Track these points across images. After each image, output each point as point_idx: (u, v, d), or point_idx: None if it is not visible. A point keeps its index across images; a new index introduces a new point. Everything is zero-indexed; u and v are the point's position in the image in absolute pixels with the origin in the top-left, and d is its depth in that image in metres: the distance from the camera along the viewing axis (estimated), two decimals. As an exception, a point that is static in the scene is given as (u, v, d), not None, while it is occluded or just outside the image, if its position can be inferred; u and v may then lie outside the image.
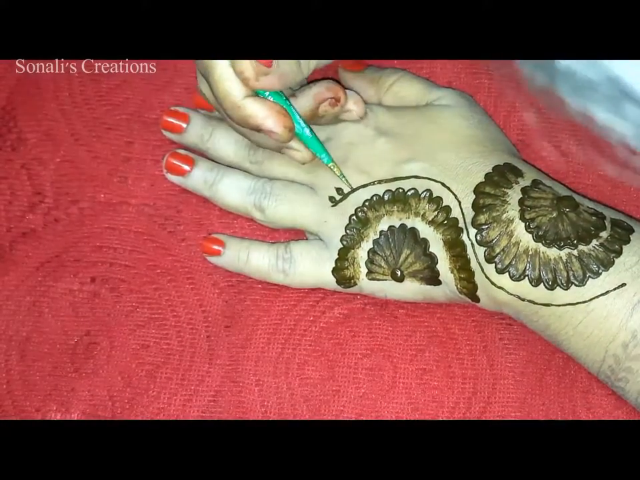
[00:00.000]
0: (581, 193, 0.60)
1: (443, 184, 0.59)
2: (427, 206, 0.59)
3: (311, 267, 0.61)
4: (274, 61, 0.55)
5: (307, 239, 0.63)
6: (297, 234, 0.63)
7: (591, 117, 0.52)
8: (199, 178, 0.64)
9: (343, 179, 0.60)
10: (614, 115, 0.51)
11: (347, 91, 0.61)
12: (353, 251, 0.60)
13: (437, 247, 0.58)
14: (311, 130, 0.60)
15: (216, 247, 0.63)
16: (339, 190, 0.61)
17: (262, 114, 0.57)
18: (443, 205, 0.58)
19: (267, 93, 0.58)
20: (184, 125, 0.65)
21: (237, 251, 0.63)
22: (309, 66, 0.58)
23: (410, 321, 0.61)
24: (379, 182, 0.60)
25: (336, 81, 0.62)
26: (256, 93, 0.58)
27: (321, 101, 0.60)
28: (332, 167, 0.60)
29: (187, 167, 0.64)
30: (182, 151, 0.64)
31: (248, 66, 0.56)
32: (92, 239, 0.65)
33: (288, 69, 0.57)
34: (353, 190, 0.60)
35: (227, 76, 0.56)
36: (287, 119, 0.57)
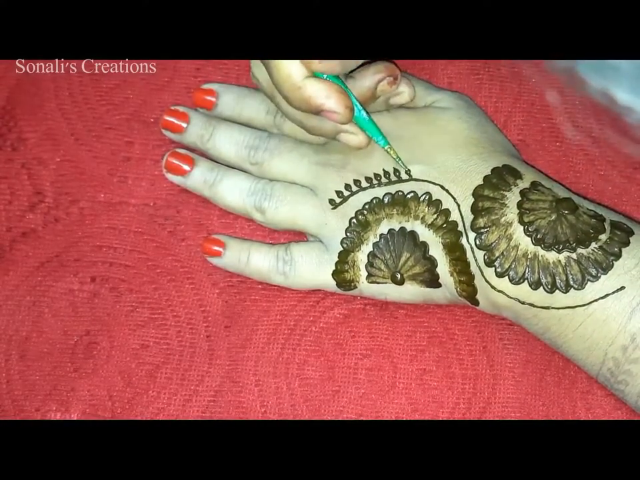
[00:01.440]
0: (581, 194, 0.60)
1: (441, 187, 0.58)
2: (427, 209, 0.58)
3: (311, 269, 0.61)
4: None
5: (307, 240, 0.63)
6: (297, 235, 0.63)
7: (611, 97, 0.52)
8: (198, 178, 0.64)
9: (400, 162, 0.59)
10: (635, 96, 0.51)
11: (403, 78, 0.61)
12: (353, 254, 0.60)
13: (437, 250, 0.58)
14: (367, 112, 0.60)
15: (216, 248, 0.63)
16: (339, 193, 0.60)
17: (323, 94, 0.56)
18: (442, 208, 0.58)
19: (325, 76, 0.58)
20: (184, 125, 0.65)
21: (237, 252, 0.62)
22: None
23: (410, 322, 0.61)
24: (379, 185, 0.60)
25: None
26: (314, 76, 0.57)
27: (380, 79, 0.60)
28: (388, 150, 0.59)
29: (186, 167, 0.64)
30: (182, 151, 0.64)
31: None
32: (92, 239, 0.64)
33: None
34: (353, 193, 0.60)
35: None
36: (347, 99, 0.57)
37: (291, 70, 0.56)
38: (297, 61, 0.56)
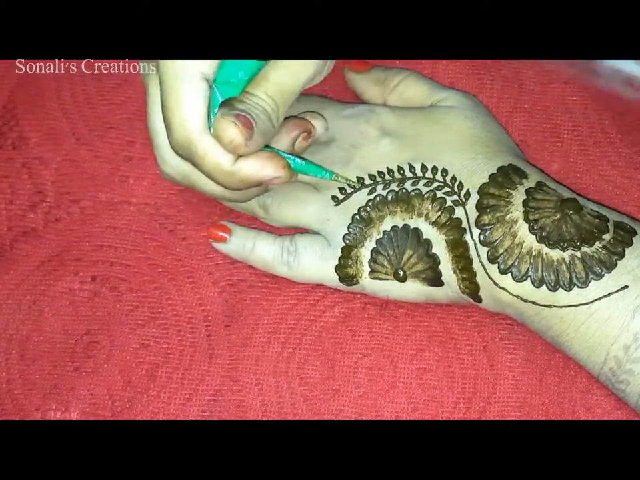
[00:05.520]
0: (582, 194, 0.59)
1: (446, 184, 0.58)
2: (430, 206, 0.58)
3: (314, 261, 0.60)
4: (251, 120, 0.54)
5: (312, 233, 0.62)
6: (300, 232, 0.63)
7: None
8: None
9: (349, 182, 0.59)
10: None
11: (306, 113, 0.61)
12: (356, 249, 0.59)
13: (440, 247, 0.58)
14: (299, 157, 0.59)
15: (222, 234, 0.62)
16: (341, 189, 0.60)
17: (257, 167, 0.55)
18: (447, 205, 0.58)
19: None
20: None
21: (243, 239, 0.62)
22: (278, 118, 0.56)
23: (410, 321, 0.61)
24: (382, 182, 0.59)
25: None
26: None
27: (294, 138, 0.59)
28: (336, 179, 0.59)
29: None
30: None
31: (237, 133, 0.54)
32: (93, 238, 0.64)
33: (264, 126, 0.55)
34: (356, 190, 0.60)
35: (211, 147, 0.54)
36: (279, 159, 0.56)
37: (218, 159, 0.55)
38: (221, 150, 0.55)
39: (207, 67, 0.55)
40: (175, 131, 0.55)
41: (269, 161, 0.56)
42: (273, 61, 0.56)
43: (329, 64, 0.58)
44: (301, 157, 0.59)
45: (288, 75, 0.56)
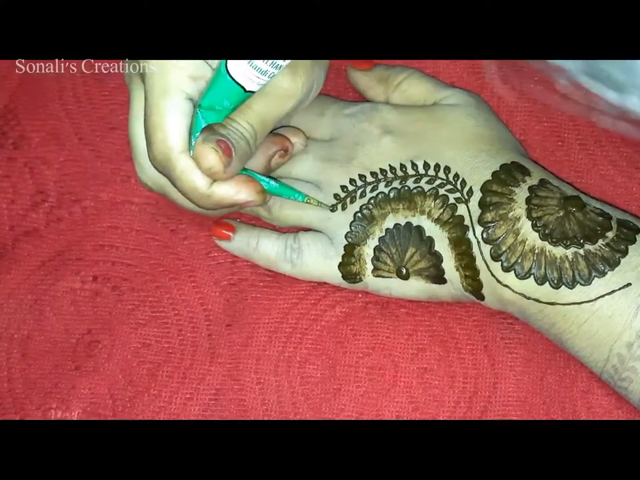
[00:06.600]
0: (584, 193, 0.59)
1: (449, 181, 0.58)
2: (433, 204, 0.58)
3: (317, 259, 0.60)
4: (231, 146, 0.55)
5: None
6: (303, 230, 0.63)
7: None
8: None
9: (322, 205, 0.59)
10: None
11: (286, 128, 0.61)
12: (359, 247, 0.59)
13: (443, 245, 0.57)
14: (274, 179, 0.59)
15: (226, 232, 0.62)
16: (343, 187, 0.59)
17: (232, 192, 0.56)
18: (449, 202, 0.58)
19: None
20: None
21: (246, 237, 0.61)
22: (256, 144, 0.57)
23: (411, 320, 0.60)
24: (385, 179, 0.59)
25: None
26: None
27: (271, 155, 0.60)
28: (308, 201, 0.59)
29: None
30: None
31: (216, 160, 0.55)
32: (94, 238, 0.63)
33: (242, 152, 0.56)
34: (358, 187, 0.60)
35: (190, 169, 0.55)
36: (256, 184, 0.57)
37: (195, 182, 0.56)
38: (198, 173, 0.55)
39: (192, 87, 0.56)
40: (155, 146, 0.55)
41: (244, 185, 0.57)
42: (258, 91, 0.56)
43: (314, 92, 0.59)
44: (274, 179, 0.59)
45: (271, 106, 0.57)
